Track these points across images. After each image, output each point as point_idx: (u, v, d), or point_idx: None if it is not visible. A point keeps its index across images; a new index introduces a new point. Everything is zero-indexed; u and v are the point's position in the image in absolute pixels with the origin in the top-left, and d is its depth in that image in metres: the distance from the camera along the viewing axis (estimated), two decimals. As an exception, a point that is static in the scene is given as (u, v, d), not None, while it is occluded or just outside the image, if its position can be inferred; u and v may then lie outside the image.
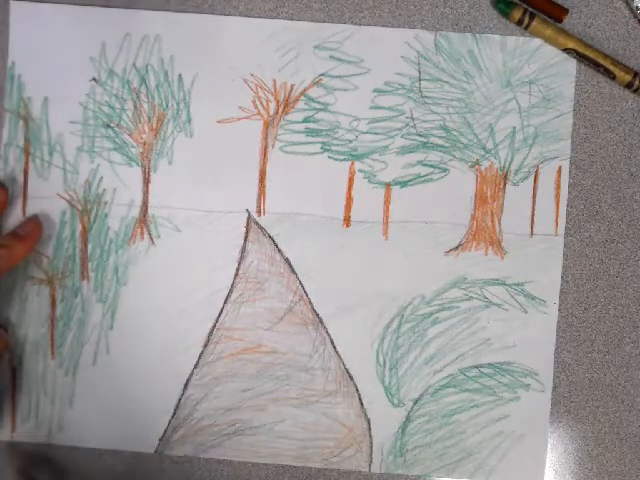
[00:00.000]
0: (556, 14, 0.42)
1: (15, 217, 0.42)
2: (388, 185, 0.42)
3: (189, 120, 0.42)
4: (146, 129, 0.42)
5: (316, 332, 0.42)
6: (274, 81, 0.42)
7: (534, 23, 0.41)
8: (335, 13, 0.42)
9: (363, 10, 0.42)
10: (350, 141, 0.42)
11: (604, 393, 0.42)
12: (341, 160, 0.42)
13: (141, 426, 0.42)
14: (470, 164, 0.42)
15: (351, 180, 0.42)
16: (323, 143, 0.42)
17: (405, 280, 0.42)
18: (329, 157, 0.42)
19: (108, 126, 0.42)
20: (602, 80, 0.42)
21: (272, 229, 0.42)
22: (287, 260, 0.42)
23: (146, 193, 0.42)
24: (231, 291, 0.42)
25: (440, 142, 0.42)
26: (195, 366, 0.42)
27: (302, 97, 0.42)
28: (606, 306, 0.42)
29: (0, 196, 0.41)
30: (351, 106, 0.42)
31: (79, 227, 0.42)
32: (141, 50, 0.42)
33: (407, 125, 0.42)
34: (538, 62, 0.42)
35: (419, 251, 0.42)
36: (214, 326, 0.42)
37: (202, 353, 0.42)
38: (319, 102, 0.42)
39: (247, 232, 0.42)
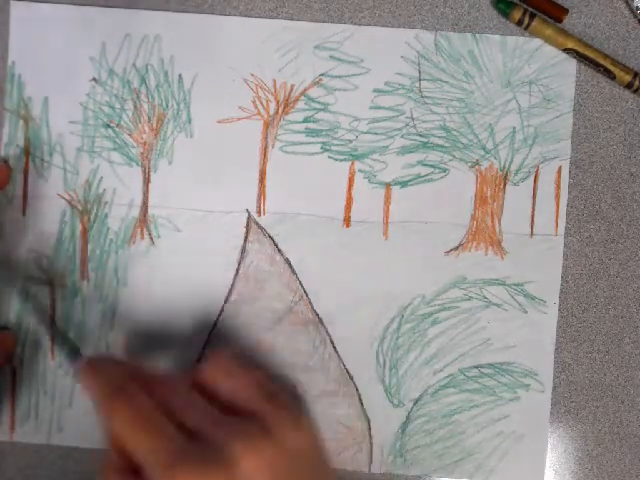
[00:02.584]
0: (556, 14, 0.42)
1: (15, 217, 0.42)
2: (388, 185, 0.42)
3: (189, 120, 0.42)
4: (146, 129, 0.42)
5: (316, 332, 0.42)
6: (274, 81, 0.42)
7: (534, 23, 0.41)
8: (335, 13, 0.42)
9: (363, 10, 0.42)
10: (350, 141, 0.42)
11: (604, 393, 0.42)
12: (341, 160, 0.42)
13: (141, 426, 0.42)
14: (470, 164, 0.42)
15: (351, 180, 0.42)
16: (323, 143, 0.42)
17: (405, 280, 0.42)
18: (329, 157, 0.42)
19: (108, 126, 0.42)
20: (602, 80, 0.42)
21: (272, 229, 0.42)
22: (287, 260, 0.42)
23: (146, 193, 0.42)
24: (231, 291, 0.42)
25: (440, 142, 0.42)
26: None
27: (302, 97, 0.42)
28: (606, 306, 0.42)
29: (2, 172, 0.41)
30: (351, 106, 0.42)
31: (79, 227, 0.42)
32: (141, 50, 0.42)
33: (407, 125, 0.42)
34: (538, 62, 0.42)
35: (419, 251, 0.42)
36: (214, 326, 0.42)
37: (202, 353, 0.42)
38: (319, 102, 0.42)
39: (247, 232, 0.42)
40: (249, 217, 0.42)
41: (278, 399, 0.33)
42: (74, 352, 0.38)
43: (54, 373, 0.42)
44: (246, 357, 0.42)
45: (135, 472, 0.31)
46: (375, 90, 0.42)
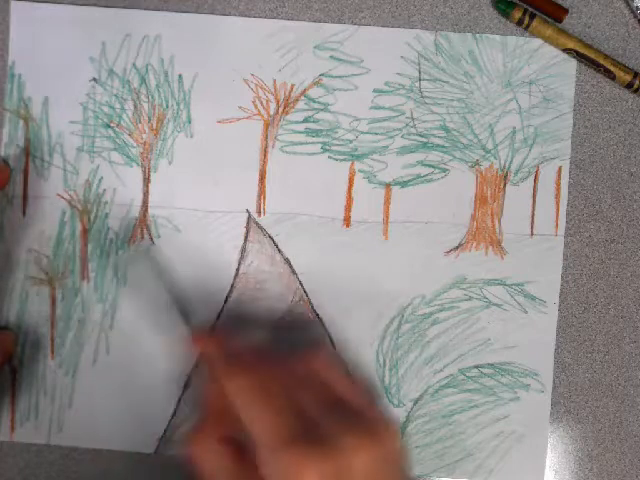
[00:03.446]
0: (556, 14, 0.42)
1: (15, 217, 0.42)
2: (388, 185, 0.42)
3: (189, 120, 0.42)
4: (146, 129, 0.42)
5: (316, 332, 0.42)
6: (274, 81, 0.42)
7: (534, 23, 0.41)
8: (335, 13, 0.42)
9: (363, 10, 0.42)
10: (350, 141, 0.42)
11: (604, 393, 0.42)
12: (341, 160, 0.42)
13: (141, 426, 0.42)
14: (470, 164, 0.42)
15: (351, 180, 0.42)
16: (323, 143, 0.42)
17: (405, 280, 0.42)
18: (329, 157, 0.42)
19: (108, 126, 0.42)
20: (602, 80, 0.42)
21: (272, 229, 0.42)
22: (287, 260, 0.42)
23: (146, 193, 0.42)
24: (231, 291, 0.42)
25: (440, 142, 0.42)
26: (195, 366, 0.42)
27: (302, 97, 0.42)
28: (606, 306, 0.42)
29: (2, 172, 0.41)
30: (351, 106, 0.42)
31: (79, 227, 0.42)
32: (141, 50, 0.42)
33: (407, 125, 0.42)
34: (538, 62, 0.42)
35: (419, 251, 0.42)
36: (214, 326, 0.42)
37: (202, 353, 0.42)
38: (319, 102, 0.42)
39: (247, 232, 0.42)
40: (249, 217, 0.42)
41: (379, 404, 0.34)
42: (187, 316, 0.39)
43: (54, 373, 0.42)
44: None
45: (228, 441, 0.31)
46: (375, 90, 0.42)
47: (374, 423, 0.32)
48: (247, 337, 0.42)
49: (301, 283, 0.42)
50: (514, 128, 0.42)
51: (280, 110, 0.42)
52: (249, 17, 0.42)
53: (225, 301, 0.42)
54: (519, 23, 0.41)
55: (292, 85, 0.42)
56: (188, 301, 0.41)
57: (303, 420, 0.31)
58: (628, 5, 0.42)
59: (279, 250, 0.42)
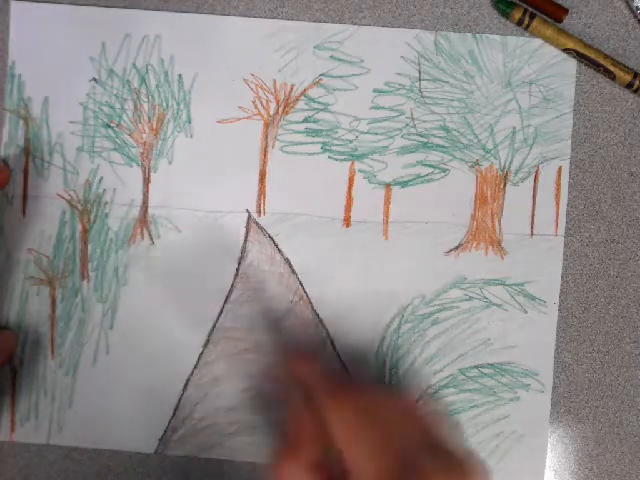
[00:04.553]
0: (556, 14, 0.42)
1: (15, 217, 0.42)
2: (388, 185, 0.42)
3: (189, 120, 0.42)
4: (146, 129, 0.42)
5: (316, 332, 0.42)
6: (274, 81, 0.42)
7: (534, 23, 0.41)
8: (335, 13, 0.42)
9: (363, 10, 0.42)
10: (350, 141, 0.42)
11: (604, 393, 0.42)
12: (341, 160, 0.42)
13: (141, 426, 0.42)
14: (470, 164, 0.42)
15: (351, 180, 0.42)
16: (323, 143, 0.42)
17: (405, 280, 0.42)
18: (329, 157, 0.42)
19: (108, 126, 0.42)
20: (602, 80, 0.42)
21: (272, 229, 0.42)
22: (287, 260, 0.42)
23: (146, 193, 0.42)
24: (231, 291, 0.42)
25: (440, 142, 0.42)
26: (195, 366, 0.42)
27: (302, 97, 0.42)
28: (606, 306, 0.42)
29: (3, 172, 0.41)
30: (351, 106, 0.42)
31: (79, 227, 0.42)
32: (141, 50, 0.42)
33: (407, 125, 0.42)
34: (538, 62, 0.42)
35: (419, 251, 0.42)
36: (214, 326, 0.42)
37: (202, 353, 0.42)
38: (319, 102, 0.42)
39: (247, 232, 0.42)
40: (249, 217, 0.42)
41: (467, 444, 0.35)
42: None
43: (54, 373, 0.42)
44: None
45: (318, 467, 0.32)
46: (375, 90, 0.42)
47: (467, 464, 0.32)
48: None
49: (301, 283, 0.42)
50: (514, 128, 0.42)
51: (280, 110, 0.42)
52: (249, 17, 0.42)
53: (225, 301, 0.42)
54: (519, 23, 0.41)
55: (292, 85, 0.42)
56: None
57: (401, 457, 0.31)
58: (628, 5, 0.42)
59: (279, 250, 0.42)
